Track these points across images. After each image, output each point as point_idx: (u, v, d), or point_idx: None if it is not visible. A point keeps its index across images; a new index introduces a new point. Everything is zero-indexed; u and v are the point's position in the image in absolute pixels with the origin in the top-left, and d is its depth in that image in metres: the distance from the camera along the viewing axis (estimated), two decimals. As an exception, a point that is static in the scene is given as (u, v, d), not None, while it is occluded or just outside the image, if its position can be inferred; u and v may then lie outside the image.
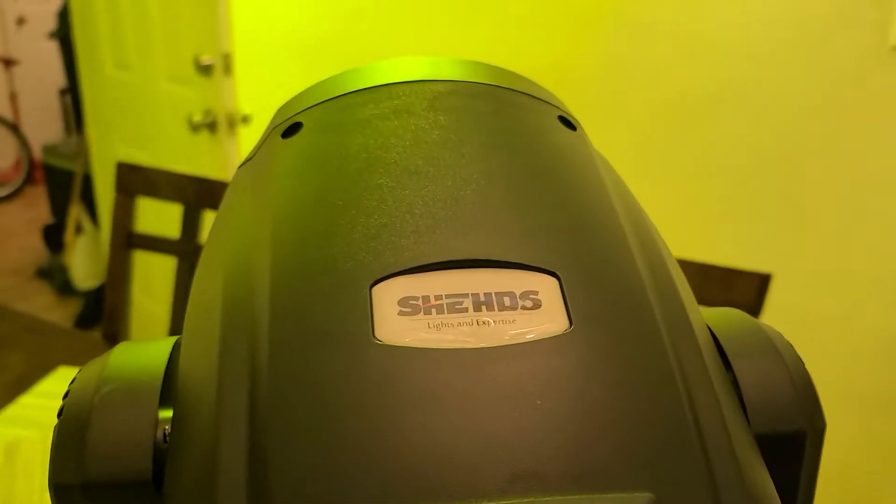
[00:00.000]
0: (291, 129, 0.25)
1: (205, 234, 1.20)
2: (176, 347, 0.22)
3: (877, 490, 1.50)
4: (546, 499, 0.16)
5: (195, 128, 1.69)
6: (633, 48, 1.56)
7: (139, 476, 0.19)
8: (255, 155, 0.26)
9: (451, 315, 0.19)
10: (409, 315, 0.19)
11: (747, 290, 0.87)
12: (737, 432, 0.19)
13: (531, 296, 0.19)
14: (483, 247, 0.20)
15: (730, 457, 0.18)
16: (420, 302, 0.19)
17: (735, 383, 0.21)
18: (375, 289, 0.19)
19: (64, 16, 2.79)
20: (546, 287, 0.19)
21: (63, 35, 2.80)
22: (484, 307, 0.19)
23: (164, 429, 0.20)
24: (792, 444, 0.21)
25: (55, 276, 2.98)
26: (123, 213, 1.26)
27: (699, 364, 0.19)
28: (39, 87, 3.92)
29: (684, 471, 0.17)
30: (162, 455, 0.19)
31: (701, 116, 1.51)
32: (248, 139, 1.66)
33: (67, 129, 3.64)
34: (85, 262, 2.76)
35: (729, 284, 0.88)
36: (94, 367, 0.22)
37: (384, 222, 0.20)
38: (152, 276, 1.82)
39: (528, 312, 0.19)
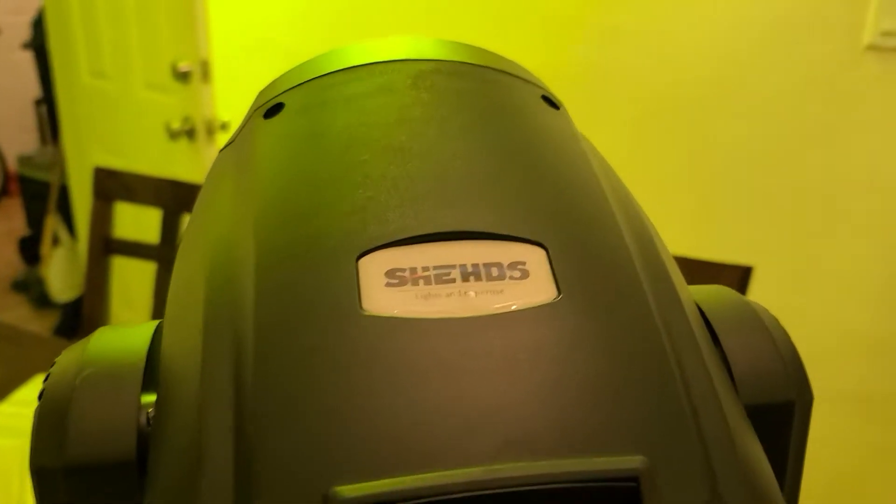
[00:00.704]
0: (273, 110, 0.25)
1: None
2: (158, 330, 0.22)
3: (858, 485, 1.51)
4: (538, 463, 0.15)
5: (173, 135, 1.68)
6: (614, 52, 1.57)
7: (122, 458, 0.19)
8: (236, 137, 0.26)
9: (438, 286, 0.18)
10: (396, 286, 0.18)
11: (731, 283, 0.88)
12: (727, 401, 0.19)
13: (519, 266, 0.19)
14: (469, 218, 0.20)
15: (721, 422, 0.18)
16: (407, 273, 0.19)
17: (724, 357, 0.21)
18: (362, 261, 0.19)
19: (38, 25, 2.76)
20: (534, 257, 0.19)
21: (38, 45, 2.77)
22: (472, 278, 0.19)
23: (148, 412, 0.19)
24: (780, 416, 0.21)
25: (32, 289, 2.94)
26: (101, 218, 1.24)
27: (688, 332, 0.19)
28: (14, 97, 3.87)
29: (677, 437, 0.17)
30: (145, 438, 0.19)
31: (680, 119, 1.52)
32: (226, 146, 1.65)
33: (43, 140, 3.59)
34: (62, 274, 2.72)
35: (713, 278, 0.88)
36: (75, 350, 0.21)
37: (369, 196, 0.20)
38: (131, 285, 1.80)
39: (517, 282, 0.19)
